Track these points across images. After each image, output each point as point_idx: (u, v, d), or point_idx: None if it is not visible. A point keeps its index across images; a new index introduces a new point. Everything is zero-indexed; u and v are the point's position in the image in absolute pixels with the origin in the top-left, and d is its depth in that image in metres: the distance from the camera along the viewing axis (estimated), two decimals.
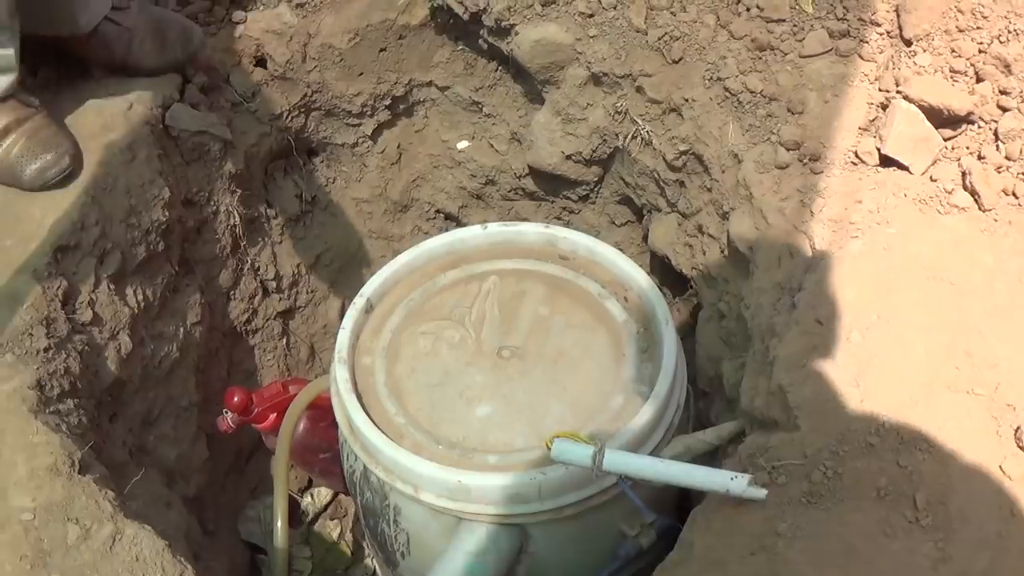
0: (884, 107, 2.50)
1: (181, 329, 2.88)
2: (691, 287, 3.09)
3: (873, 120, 2.52)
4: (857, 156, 2.50)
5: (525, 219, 3.64)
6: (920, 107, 2.43)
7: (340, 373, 2.44)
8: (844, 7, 2.67)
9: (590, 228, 3.57)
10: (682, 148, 2.92)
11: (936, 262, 2.23)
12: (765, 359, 2.33)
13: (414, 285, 2.75)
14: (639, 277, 2.67)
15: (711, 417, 2.88)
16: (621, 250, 3.17)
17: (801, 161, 2.57)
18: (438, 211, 3.76)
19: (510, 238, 2.83)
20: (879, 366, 2.08)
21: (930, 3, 2.52)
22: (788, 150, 2.60)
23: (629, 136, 3.07)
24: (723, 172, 2.79)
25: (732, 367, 2.72)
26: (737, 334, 2.74)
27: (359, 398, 2.44)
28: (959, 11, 2.49)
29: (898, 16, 2.57)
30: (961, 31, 2.48)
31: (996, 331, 2.08)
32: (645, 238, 3.42)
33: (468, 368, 2.54)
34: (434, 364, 2.55)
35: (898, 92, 2.47)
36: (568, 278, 2.78)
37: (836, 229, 2.38)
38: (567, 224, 3.64)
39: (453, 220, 3.77)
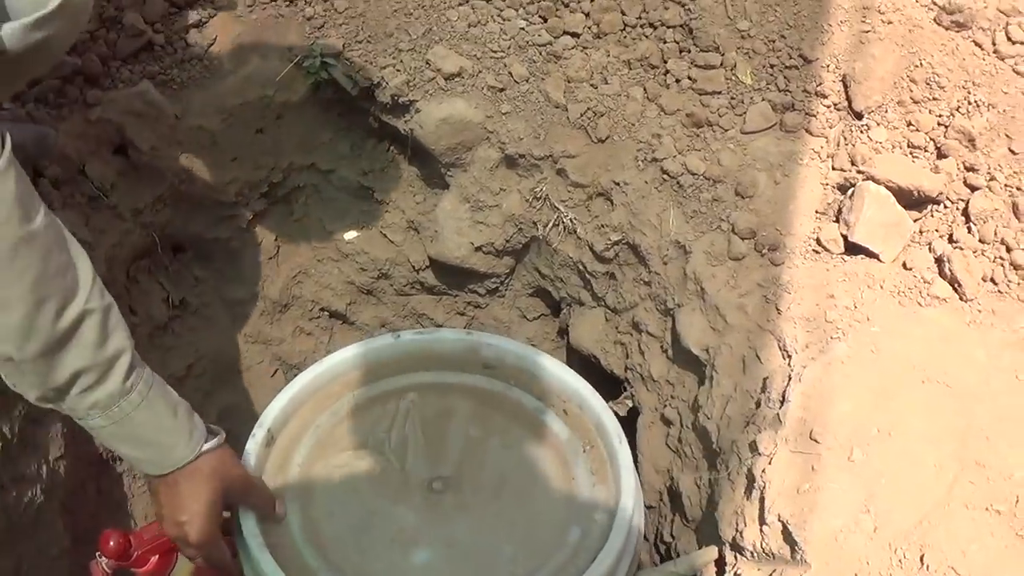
0: (843, 188, 2.33)
1: (44, 467, 2.46)
2: (624, 389, 2.84)
3: (831, 203, 2.34)
4: (820, 244, 2.30)
5: (423, 315, 3.33)
6: (888, 188, 2.25)
7: (247, 525, 2.04)
8: (785, 77, 2.48)
9: (499, 324, 3.29)
10: (614, 238, 2.67)
11: (927, 362, 2.05)
12: (747, 480, 2.10)
13: (320, 408, 2.37)
14: (580, 387, 2.34)
15: (663, 535, 2.63)
16: (534, 346, 2.92)
17: (759, 251, 2.36)
18: (323, 309, 3.37)
19: (426, 347, 2.47)
20: (888, 487, 1.90)
21: (880, 73, 2.37)
22: (743, 239, 2.38)
23: (549, 224, 2.83)
24: (665, 264, 2.55)
25: (691, 483, 2.47)
26: (691, 445, 2.48)
27: (271, 552, 2.02)
28: (912, 81, 2.35)
29: (846, 87, 2.41)
30: (916, 102, 2.34)
31: (1004, 436, 1.93)
32: (560, 333, 3.18)
33: (396, 506, 2.17)
34: (355, 503, 2.17)
35: (859, 172, 2.30)
36: (497, 391, 2.44)
37: (812, 329, 2.18)
38: (472, 321, 3.35)
39: (340, 318, 3.41)
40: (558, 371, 2.41)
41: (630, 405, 2.81)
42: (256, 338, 3.28)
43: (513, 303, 3.25)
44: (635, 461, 2.51)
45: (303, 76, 2.76)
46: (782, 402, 2.09)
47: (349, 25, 2.79)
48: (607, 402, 2.73)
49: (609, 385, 2.91)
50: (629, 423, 2.78)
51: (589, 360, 2.95)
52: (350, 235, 3.17)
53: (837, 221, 2.30)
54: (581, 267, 2.83)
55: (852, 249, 2.25)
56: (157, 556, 2.37)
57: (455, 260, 2.99)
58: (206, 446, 1.86)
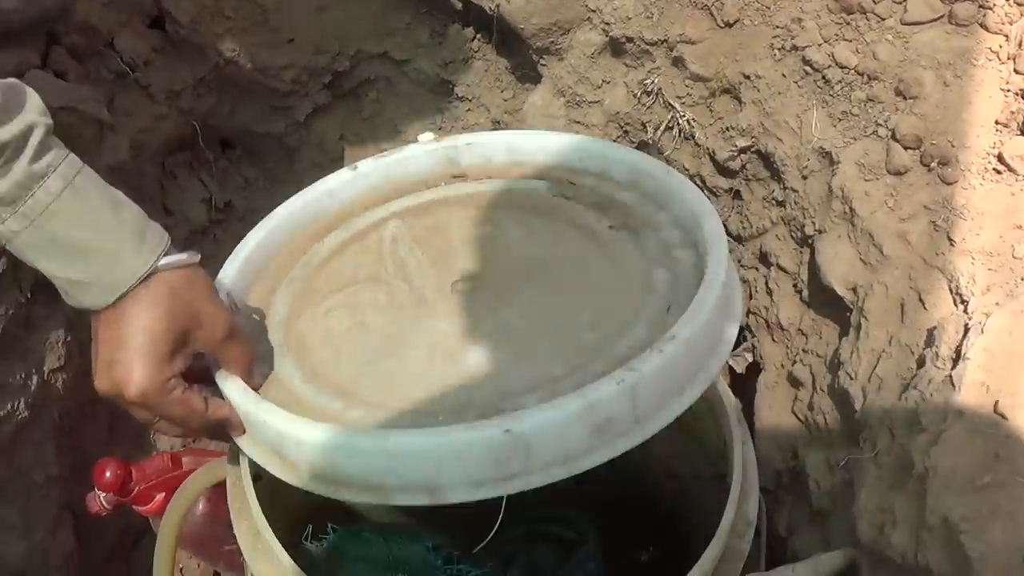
0: None
1: (34, 377, 2.25)
2: (744, 339, 2.40)
3: (1014, 112, 1.87)
4: (1002, 161, 1.83)
5: None
6: None
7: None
8: None
9: None
10: (741, 144, 2.23)
11: None
12: (901, 465, 1.65)
13: (286, 264, 1.91)
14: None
15: (778, 528, 2.17)
16: None
17: (925, 165, 1.90)
18: None
19: (391, 171, 2.02)
20: None
21: None
22: (906, 148, 1.93)
23: (662, 126, 2.37)
24: (804, 178, 2.11)
25: (822, 463, 2.01)
26: (826, 414, 2.03)
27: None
28: None
29: None
30: None
31: None
32: None
33: (418, 323, 1.68)
34: (364, 337, 1.67)
35: None
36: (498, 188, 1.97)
37: (996, 268, 1.72)
38: None
39: None
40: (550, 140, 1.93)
41: (750, 360, 2.38)
42: None
43: None
44: (751, 430, 2.13)
45: None
46: (956, 360, 1.62)
47: None
48: None
49: None
50: (747, 382, 2.36)
51: None
52: (427, 137, 2.70)
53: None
54: (699, 181, 2.39)
55: None
56: (163, 494, 2.28)
57: None
58: (167, 259, 1.32)
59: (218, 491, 2.12)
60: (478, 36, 2.59)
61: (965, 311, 1.68)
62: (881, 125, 1.97)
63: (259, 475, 1.83)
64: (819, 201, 2.05)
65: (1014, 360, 1.53)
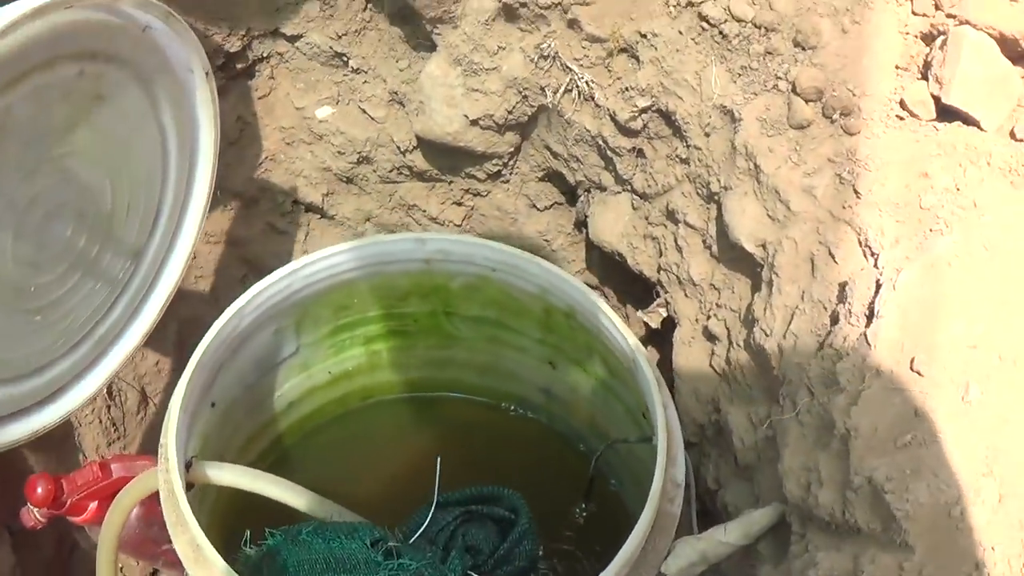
0: (928, 38, 1.87)
1: None
2: (657, 295, 2.38)
3: (914, 56, 1.88)
4: (904, 107, 1.83)
5: (413, 206, 2.88)
6: (990, 36, 1.81)
7: None
8: None
9: (503, 215, 2.82)
10: (641, 104, 2.20)
11: None
12: (822, 424, 1.65)
13: None
14: None
15: (707, 481, 2.18)
16: (547, 241, 2.66)
17: (828, 117, 1.90)
18: (296, 202, 2.93)
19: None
20: (1016, 437, 1.45)
21: None
22: (807, 101, 1.93)
23: (561, 89, 2.33)
24: (707, 135, 2.09)
25: (744, 419, 2.01)
26: (743, 369, 2.02)
27: None
28: None
29: None
30: None
31: None
32: (578, 225, 2.72)
33: None
34: None
35: (949, 17, 1.84)
36: None
37: (903, 219, 1.72)
38: (471, 212, 2.88)
39: (317, 212, 2.97)
40: None
41: (664, 315, 2.37)
42: (219, 238, 2.88)
43: (520, 190, 2.77)
44: (670, 385, 2.18)
45: None
46: (870, 318, 1.62)
47: None
48: (637, 311, 2.33)
49: (638, 289, 2.50)
50: (663, 337, 2.37)
51: (613, 259, 2.50)
52: (324, 112, 2.72)
53: (925, 78, 1.84)
54: (601, 142, 2.36)
55: (945, 114, 1.80)
56: (96, 502, 2.28)
57: (446, 137, 2.51)
58: None
59: (152, 494, 2.13)
60: (369, 6, 2.52)
61: (876, 265, 1.68)
62: (781, 78, 1.95)
63: (191, 484, 1.83)
64: (723, 158, 2.04)
65: (927, 315, 1.54)
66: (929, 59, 1.83)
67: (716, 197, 2.08)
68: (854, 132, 1.84)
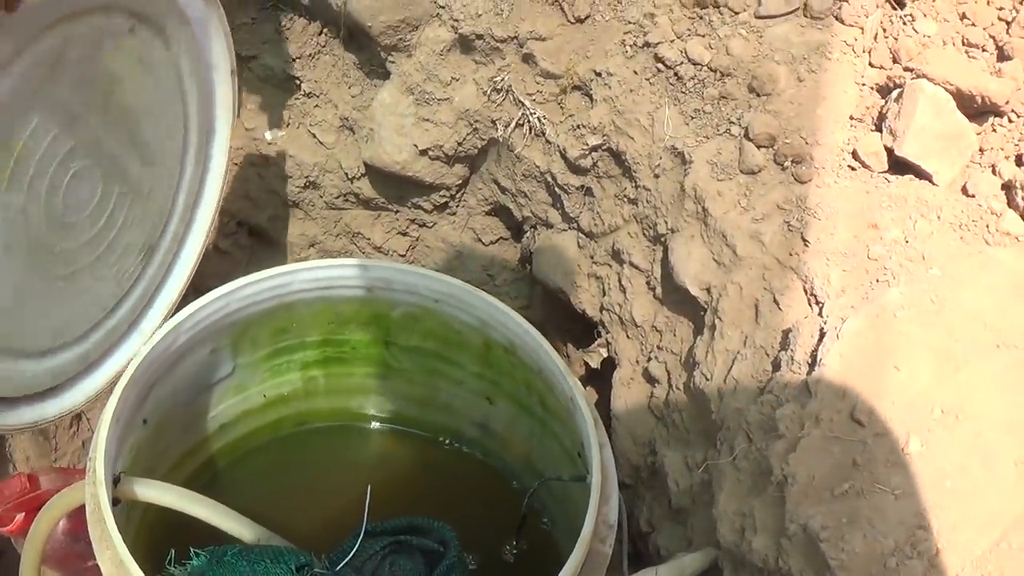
0: (884, 90, 1.90)
1: None
2: (598, 335, 2.38)
3: (869, 107, 1.91)
4: (857, 157, 1.87)
5: (358, 233, 2.88)
6: (946, 91, 1.83)
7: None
8: None
9: (448, 247, 2.82)
10: (592, 142, 2.21)
11: (1000, 321, 1.60)
12: (759, 469, 1.65)
13: None
14: None
15: (640, 524, 2.17)
16: (490, 276, 2.65)
17: (779, 163, 1.92)
18: (240, 223, 2.92)
19: None
20: (955, 493, 1.45)
21: None
22: (759, 147, 1.95)
23: (512, 124, 2.35)
24: (656, 177, 2.10)
25: (680, 462, 2.01)
26: (682, 411, 2.03)
27: None
28: None
29: None
30: None
31: None
32: (523, 262, 2.72)
33: None
34: None
35: (906, 70, 1.88)
36: None
37: (851, 268, 1.73)
38: (416, 243, 2.87)
39: (260, 235, 2.96)
40: None
41: (604, 355, 2.38)
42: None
43: (466, 223, 2.78)
44: (608, 425, 2.17)
45: None
46: (812, 365, 1.62)
47: None
48: (578, 349, 2.33)
49: (580, 328, 2.51)
50: (603, 377, 2.38)
51: (556, 297, 2.50)
52: (273, 135, 2.72)
53: (879, 130, 1.86)
54: (550, 179, 2.37)
55: (898, 166, 1.82)
56: (23, 514, 2.19)
57: (395, 166, 2.52)
58: None
59: (79, 508, 2.10)
60: (325, 31, 2.52)
61: (820, 314, 1.68)
62: (734, 123, 1.97)
63: (117, 499, 1.80)
64: (671, 200, 2.04)
65: (870, 365, 1.54)
66: (884, 111, 1.86)
67: (663, 239, 2.08)
68: (805, 180, 1.85)
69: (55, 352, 1.98)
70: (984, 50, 1.86)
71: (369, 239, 2.85)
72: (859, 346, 1.57)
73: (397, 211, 2.80)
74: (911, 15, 1.92)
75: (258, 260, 2.94)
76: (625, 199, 2.21)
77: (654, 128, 2.09)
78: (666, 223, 2.07)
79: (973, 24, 1.89)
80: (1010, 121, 1.80)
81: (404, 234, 2.86)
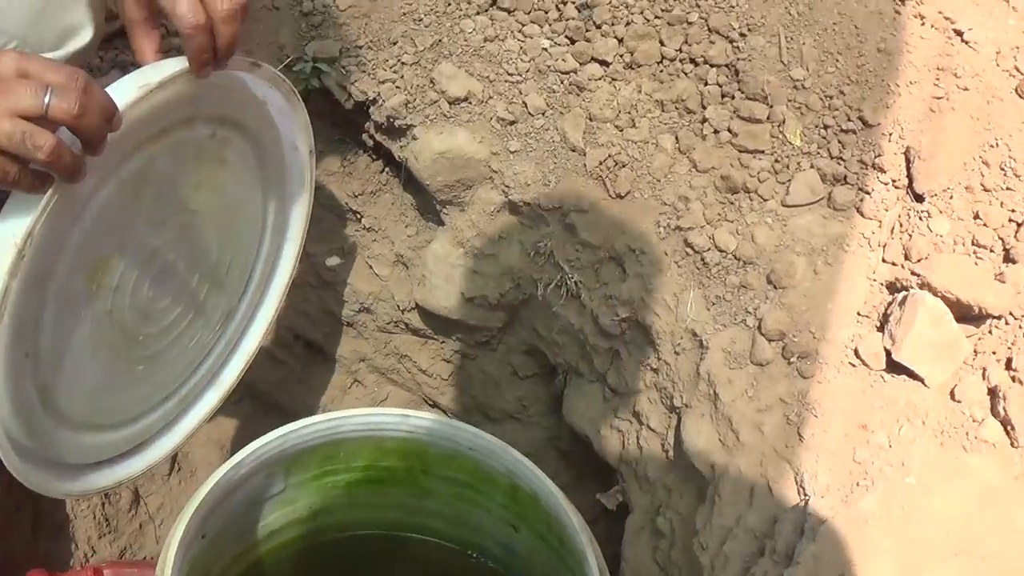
0: (892, 288, 1.99)
1: None
2: (617, 483, 2.50)
3: (876, 305, 2.01)
4: (858, 355, 1.96)
5: (405, 355, 3.01)
6: (946, 301, 1.92)
7: None
8: (840, 143, 2.14)
9: (487, 378, 2.94)
10: (622, 313, 2.32)
11: (963, 528, 1.70)
12: None
13: None
14: None
15: None
16: (524, 407, 2.79)
17: (786, 358, 2.03)
18: (297, 336, 3.06)
19: None
20: None
21: (950, 149, 2.05)
22: (770, 341, 2.05)
23: (551, 284, 2.47)
24: (676, 354, 2.21)
25: None
26: (681, 569, 2.16)
27: None
28: (984, 163, 2.02)
29: (908, 162, 2.07)
30: (987, 191, 2.00)
31: None
32: (556, 399, 2.82)
33: None
34: None
35: (913, 274, 1.96)
36: None
37: (836, 468, 1.84)
38: (458, 371, 2.98)
39: (315, 349, 3.09)
40: None
41: (620, 500, 2.49)
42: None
43: (506, 358, 2.90)
44: (616, 565, 2.32)
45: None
46: (789, 559, 1.75)
47: (351, 26, 2.46)
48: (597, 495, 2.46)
49: (602, 472, 2.60)
50: (617, 520, 2.49)
51: (582, 439, 2.61)
52: (332, 261, 2.84)
53: (881, 330, 1.96)
54: (582, 337, 2.48)
55: (894, 367, 1.92)
56: None
57: (443, 311, 2.66)
58: None
59: None
60: (387, 170, 2.66)
61: (805, 508, 1.80)
62: (750, 313, 2.07)
63: None
64: (688, 378, 2.15)
65: (837, 571, 1.67)
66: (888, 312, 1.94)
67: (677, 411, 2.18)
68: (807, 376, 1.96)
69: (135, 420, 2.07)
70: (992, 251, 1.93)
71: (415, 362, 2.97)
72: (831, 550, 1.68)
73: (443, 341, 2.92)
74: (928, 211, 2.00)
75: (311, 370, 3.07)
76: (648, 367, 2.31)
77: (678, 309, 2.19)
78: (681, 398, 2.16)
79: (985, 224, 1.96)
80: (1006, 324, 1.88)
81: (448, 361, 2.97)
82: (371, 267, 2.83)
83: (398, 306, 2.84)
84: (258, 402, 3.11)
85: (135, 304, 1.85)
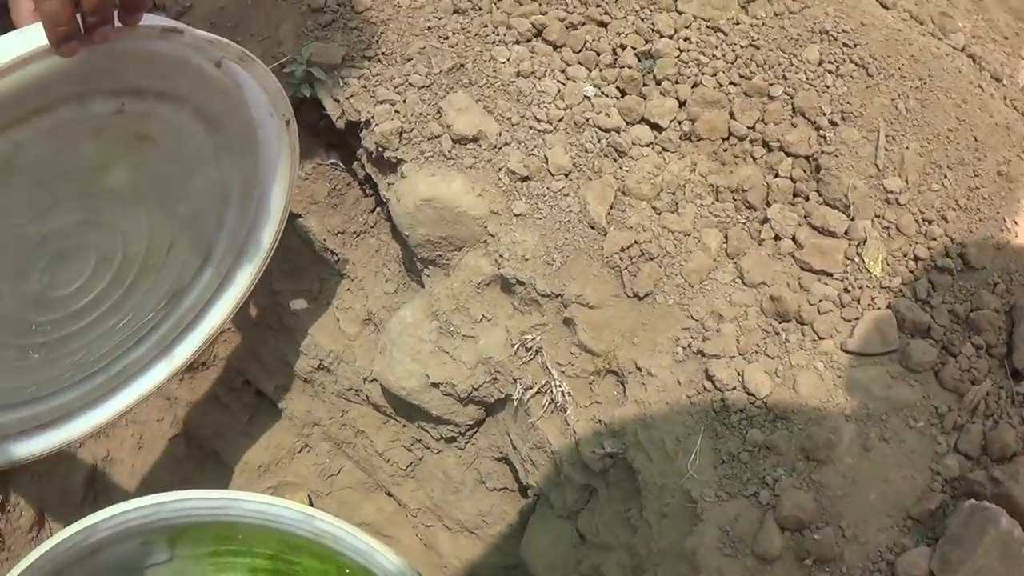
0: (958, 490, 1.64)
1: None
2: None
3: (933, 510, 1.61)
4: (893, 574, 1.56)
5: (362, 431, 2.60)
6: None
7: None
8: (931, 283, 1.80)
9: (448, 479, 2.51)
10: (609, 447, 1.87)
11: None
12: None
13: None
14: None
15: None
16: (485, 523, 2.46)
17: (799, 558, 1.59)
18: (247, 383, 2.69)
19: None
20: None
21: None
22: (783, 530, 1.61)
23: (533, 389, 2.03)
24: (662, 517, 1.76)
25: None
26: None
27: None
28: None
29: (1012, 325, 1.78)
30: None
31: None
32: (523, 521, 2.39)
33: None
34: None
35: (992, 479, 1.64)
36: None
37: None
38: (419, 462, 2.58)
39: (265, 400, 2.72)
40: None
41: None
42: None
43: (472, 462, 2.46)
44: None
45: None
46: None
47: (363, 32, 2.11)
48: None
49: None
50: None
51: None
52: (298, 304, 2.48)
53: (931, 547, 1.55)
54: (558, 462, 2.04)
55: None
56: None
57: (401, 391, 2.23)
58: None
59: None
60: (377, 210, 2.29)
61: None
62: (767, 487, 1.65)
63: None
64: (669, 552, 1.73)
65: None
66: (947, 523, 1.59)
67: None
68: None
69: (44, 399, 2.02)
70: None
71: (372, 441, 2.58)
72: None
73: (405, 425, 2.52)
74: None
75: (258, 423, 2.74)
76: (627, 523, 1.88)
77: (679, 459, 1.74)
78: (655, 569, 1.74)
79: None
80: None
81: (408, 449, 2.57)
82: (339, 321, 2.46)
83: (360, 373, 2.46)
84: (194, 445, 2.79)
85: (20, 293, 1.75)
